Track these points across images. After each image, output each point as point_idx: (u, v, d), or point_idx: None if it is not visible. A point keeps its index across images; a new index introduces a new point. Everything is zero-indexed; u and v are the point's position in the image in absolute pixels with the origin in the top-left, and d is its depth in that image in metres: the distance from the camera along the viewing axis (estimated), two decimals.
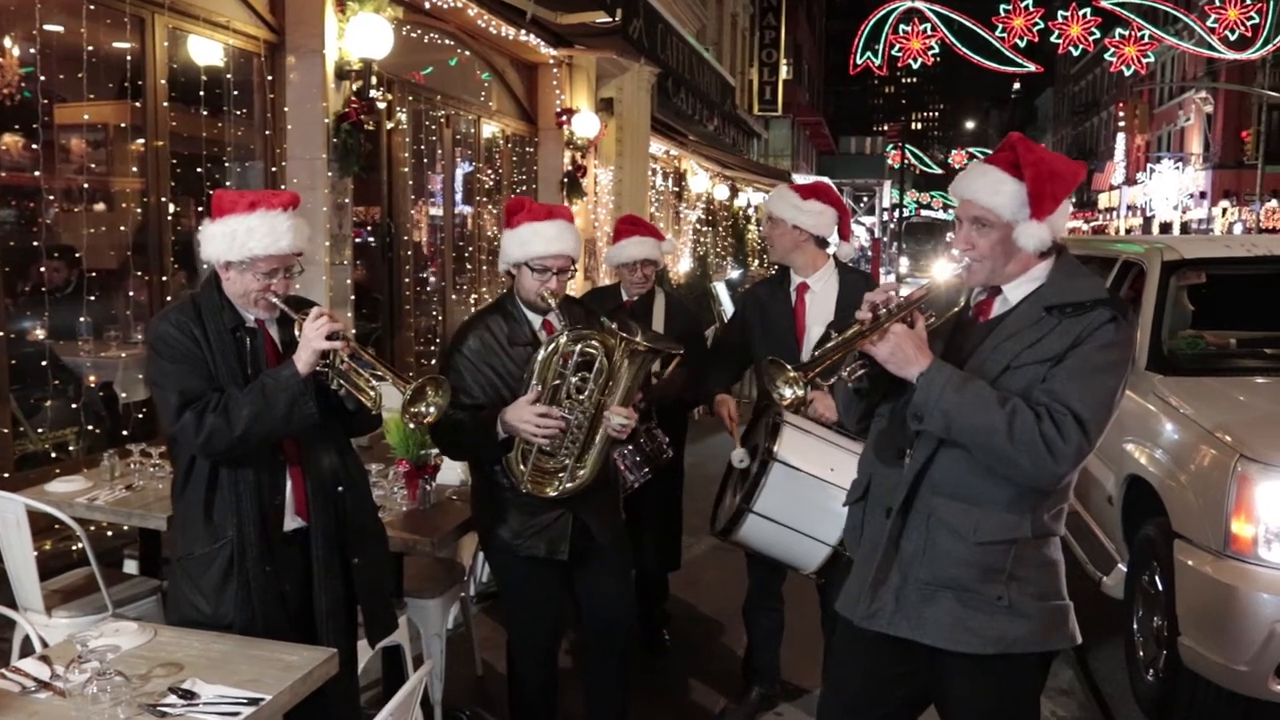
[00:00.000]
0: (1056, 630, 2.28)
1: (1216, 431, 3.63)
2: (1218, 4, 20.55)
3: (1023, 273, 2.26)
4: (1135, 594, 4.15)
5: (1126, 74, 23.30)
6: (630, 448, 3.89)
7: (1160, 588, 3.84)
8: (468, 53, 8.89)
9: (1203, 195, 36.32)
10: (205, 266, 2.79)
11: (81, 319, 4.92)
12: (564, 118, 10.06)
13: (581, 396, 2.91)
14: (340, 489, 2.73)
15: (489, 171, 9.56)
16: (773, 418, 3.35)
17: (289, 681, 2.15)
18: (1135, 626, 4.14)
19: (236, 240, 2.54)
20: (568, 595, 3.26)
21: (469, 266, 9.27)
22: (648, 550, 4.30)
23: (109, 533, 4.34)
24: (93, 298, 4.90)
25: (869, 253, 28.38)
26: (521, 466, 2.94)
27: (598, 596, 3.24)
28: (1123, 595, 4.29)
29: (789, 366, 2.17)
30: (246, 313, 2.65)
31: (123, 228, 5.33)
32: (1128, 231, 40.56)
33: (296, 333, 2.58)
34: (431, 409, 2.50)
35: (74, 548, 4.11)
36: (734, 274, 17.04)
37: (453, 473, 4.03)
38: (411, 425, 2.60)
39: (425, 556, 3.72)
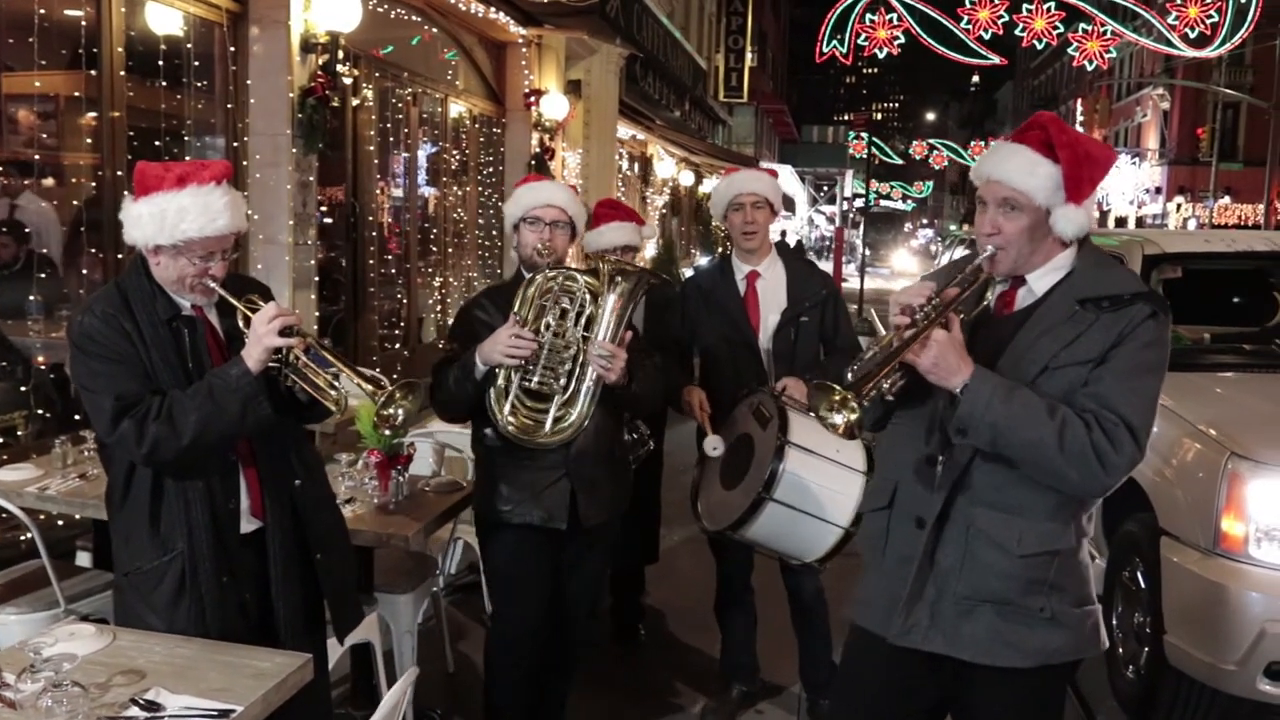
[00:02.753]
0: (1091, 636, 2.18)
1: (1206, 428, 3.58)
2: (1179, 1, 20.75)
3: (1047, 261, 2.13)
4: (1115, 590, 4.11)
5: (1089, 69, 23.52)
6: None
7: (1143, 584, 3.81)
8: (435, 30, 8.68)
9: (1158, 191, 36.88)
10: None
11: (31, 297, 4.70)
12: (532, 99, 9.89)
13: (562, 327, 2.82)
14: (297, 482, 2.54)
15: (455, 152, 9.37)
16: (765, 404, 3.26)
17: (261, 691, 2.00)
18: (1115, 623, 4.10)
19: (166, 222, 2.27)
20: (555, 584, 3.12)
21: (434, 249, 9.09)
22: (625, 544, 4.18)
23: (60, 522, 4.14)
24: (43, 275, 4.68)
25: (830, 241, 28.47)
26: (501, 405, 2.81)
27: (566, 573, 3.12)
28: (1101, 590, 4.26)
29: (836, 388, 1.97)
30: (181, 299, 2.39)
31: (75, 203, 5.10)
32: None
33: (241, 323, 2.36)
34: (400, 412, 2.34)
35: (22, 539, 3.92)
36: (702, 260, 16.97)
37: (425, 463, 3.90)
38: (386, 431, 2.43)
39: (397, 550, 3.58)
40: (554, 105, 10.04)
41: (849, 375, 2.02)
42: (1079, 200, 2.06)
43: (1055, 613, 2.12)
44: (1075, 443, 1.98)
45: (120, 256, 5.04)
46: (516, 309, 2.83)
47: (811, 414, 2.28)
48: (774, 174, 3.86)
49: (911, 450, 2.20)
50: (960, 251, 9.36)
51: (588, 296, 2.83)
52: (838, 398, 1.96)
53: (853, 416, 1.95)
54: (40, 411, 4.70)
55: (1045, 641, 2.12)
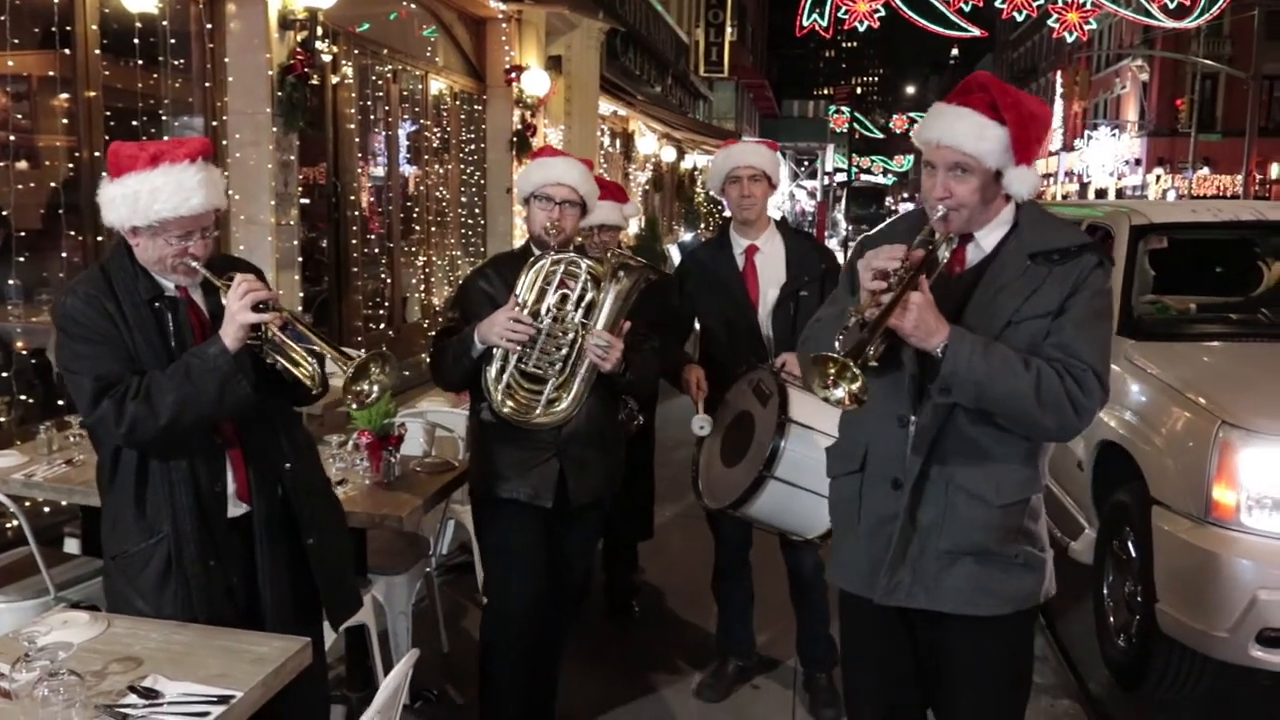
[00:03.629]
0: (1051, 580, 2.31)
1: (1197, 398, 3.60)
2: None
3: (994, 217, 2.20)
4: (1105, 559, 4.14)
5: (1069, 41, 23.48)
6: None
7: (1134, 554, 3.83)
8: (413, 6, 8.57)
9: (1138, 162, 37.03)
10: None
11: (10, 281, 4.62)
12: (513, 75, 9.79)
13: (562, 312, 2.82)
14: (287, 465, 2.50)
15: (436, 130, 9.27)
16: (765, 380, 3.24)
17: (260, 676, 1.98)
18: (1105, 592, 4.13)
19: (140, 203, 2.24)
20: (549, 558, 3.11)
21: (417, 228, 9.01)
22: (618, 519, 4.17)
23: (46, 509, 4.09)
24: (22, 259, 4.60)
25: (813, 216, 28.48)
26: (496, 385, 2.83)
27: (554, 549, 3.11)
28: (1091, 560, 4.28)
29: (834, 357, 1.95)
30: (165, 280, 2.37)
31: (52, 184, 5.01)
32: (1064, 197, 41.23)
33: (224, 300, 2.32)
34: (375, 387, 2.29)
35: (8, 526, 3.87)
36: (686, 236, 16.91)
37: (416, 443, 3.87)
38: (355, 406, 2.35)
39: (390, 531, 3.56)
40: (535, 81, 9.94)
41: (837, 345, 2.01)
42: (1029, 161, 2.12)
43: (1027, 558, 2.24)
44: (1050, 391, 2.06)
45: (100, 239, 4.96)
46: (518, 290, 2.83)
47: (804, 390, 2.25)
48: (774, 146, 3.79)
49: (878, 413, 2.21)
50: None
51: (590, 283, 2.82)
52: (834, 369, 1.95)
53: (854, 385, 1.94)
54: (23, 397, 4.63)
55: (1019, 587, 2.24)
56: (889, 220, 2.56)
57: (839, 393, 1.95)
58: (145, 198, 2.24)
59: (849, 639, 2.49)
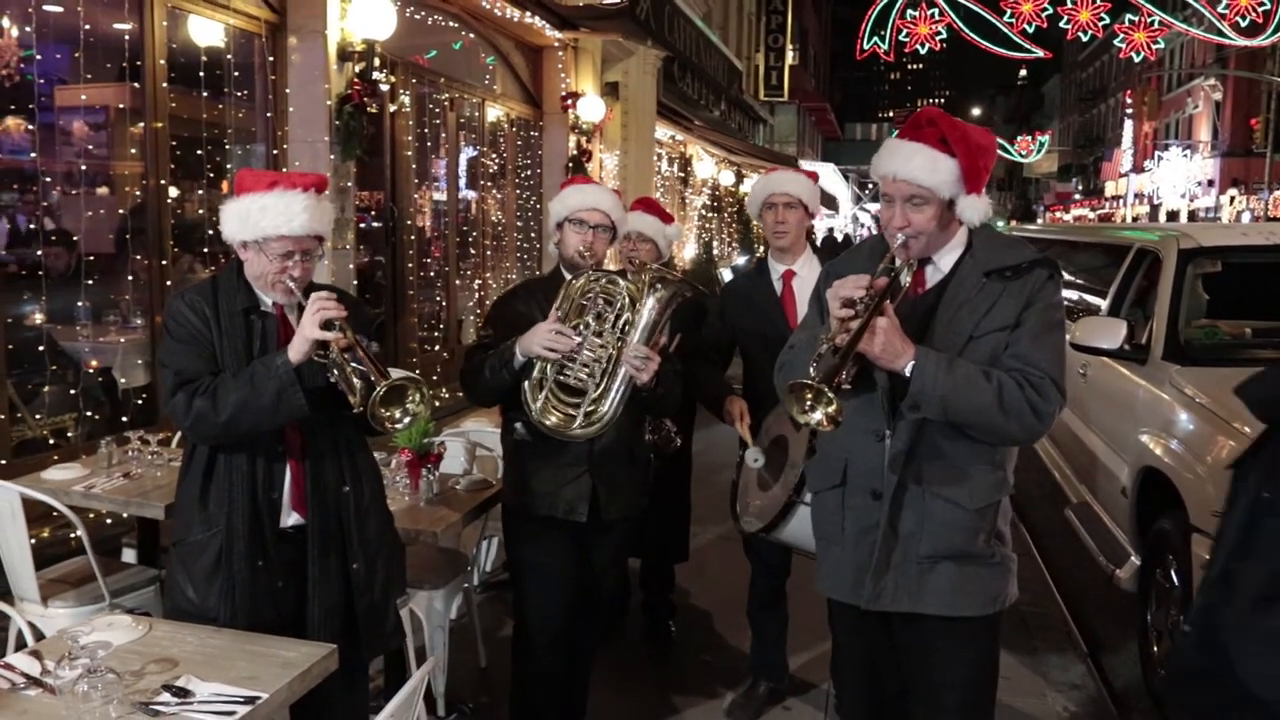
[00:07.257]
0: (1014, 582, 2.42)
1: (1238, 424, 3.54)
2: None
3: (950, 240, 2.34)
4: (1150, 588, 4.07)
5: (1136, 60, 23.10)
6: None
7: (1176, 582, 3.77)
8: (471, 35, 8.79)
9: (1211, 183, 36.10)
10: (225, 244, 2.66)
11: (80, 303, 4.85)
12: (569, 101, 9.97)
13: (601, 327, 2.88)
14: (346, 489, 2.61)
15: (493, 156, 9.47)
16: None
17: (286, 679, 2.08)
18: (1149, 621, 4.06)
19: (250, 219, 2.45)
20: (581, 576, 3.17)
21: (473, 252, 9.20)
22: (655, 541, 4.23)
23: (107, 520, 4.28)
24: (91, 282, 4.82)
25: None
26: (536, 396, 2.88)
27: (585, 564, 3.17)
28: (1135, 589, 4.22)
29: (809, 383, 2.07)
30: (265, 296, 2.55)
31: (121, 211, 5.26)
32: (1134, 219, 40.39)
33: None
34: (406, 417, 2.38)
35: (71, 536, 4.06)
36: (740, 260, 16.94)
37: (456, 461, 3.97)
38: (380, 429, 2.42)
39: (429, 547, 3.66)
40: (591, 108, 10.11)
41: (812, 372, 2.13)
42: (979, 189, 2.26)
43: (1002, 557, 2.38)
44: (1012, 400, 2.19)
45: (165, 263, 5.18)
46: (558, 306, 2.90)
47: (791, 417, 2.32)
48: (814, 176, 3.84)
49: (856, 430, 2.33)
50: None
51: (627, 301, 2.88)
52: (810, 394, 2.07)
53: (830, 409, 2.05)
54: (89, 413, 4.85)
55: (998, 588, 2.37)
56: (852, 248, 2.68)
57: (817, 416, 2.07)
58: (255, 214, 2.45)
59: (838, 641, 2.68)
